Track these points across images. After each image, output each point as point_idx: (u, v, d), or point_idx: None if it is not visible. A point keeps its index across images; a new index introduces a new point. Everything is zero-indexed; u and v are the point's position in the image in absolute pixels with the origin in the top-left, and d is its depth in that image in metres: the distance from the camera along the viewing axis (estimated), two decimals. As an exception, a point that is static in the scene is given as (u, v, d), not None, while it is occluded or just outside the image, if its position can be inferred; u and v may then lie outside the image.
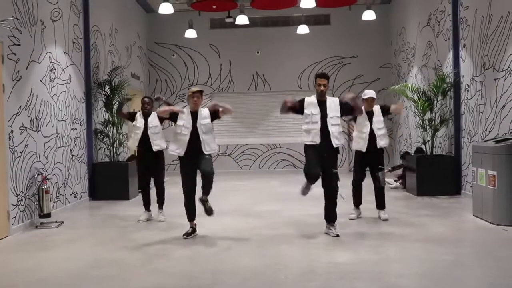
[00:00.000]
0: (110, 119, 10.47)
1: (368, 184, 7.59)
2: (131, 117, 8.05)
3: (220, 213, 7.81)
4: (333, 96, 7.19)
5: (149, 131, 7.69)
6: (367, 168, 7.54)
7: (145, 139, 7.68)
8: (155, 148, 7.66)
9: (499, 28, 8.04)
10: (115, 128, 10.47)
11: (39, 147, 7.97)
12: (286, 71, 15.56)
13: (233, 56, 15.78)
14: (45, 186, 7.63)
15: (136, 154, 8.06)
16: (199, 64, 15.82)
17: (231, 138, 15.88)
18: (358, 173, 7.59)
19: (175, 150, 6.48)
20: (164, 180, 7.89)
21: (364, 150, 7.42)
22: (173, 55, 15.83)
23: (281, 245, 6.05)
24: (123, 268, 5.21)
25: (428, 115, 10.19)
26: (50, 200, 7.80)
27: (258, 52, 15.75)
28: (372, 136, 7.39)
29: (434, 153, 10.22)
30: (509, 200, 6.72)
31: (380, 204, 7.51)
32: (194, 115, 6.53)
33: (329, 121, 6.36)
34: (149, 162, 7.73)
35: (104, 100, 10.55)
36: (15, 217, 7.09)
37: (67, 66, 9.25)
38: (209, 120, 6.55)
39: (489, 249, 5.72)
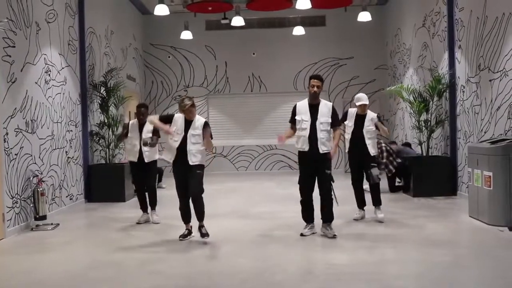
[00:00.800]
0: (106, 121, 10.44)
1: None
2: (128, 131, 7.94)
3: (216, 215, 7.81)
4: (329, 98, 7.16)
5: (142, 142, 7.51)
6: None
7: (140, 149, 7.67)
8: (146, 159, 7.66)
9: (494, 29, 8.06)
10: (110, 129, 10.45)
11: (35, 149, 7.94)
12: (282, 72, 15.57)
13: (229, 57, 15.78)
14: (41, 188, 7.60)
15: (129, 162, 8.10)
16: (195, 65, 15.81)
17: (227, 140, 15.86)
18: (353, 173, 7.64)
19: (166, 156, 6.55)
20: (162, 184, 7.96)
21: (350, 152, 7.57)
22: (169, 57, 15.82)
23: (278, 246, 6.04)
24: (120, 270, 5.19)
25: (424, 116, 10.21)
26: (46, 202, 7.76)
27: (254, 54, 15.75)
28: (361, 141, 7.40)
29: (430, 154, 10.23)
30: (504, 201, 6.73)
31: (375, 200, 7.47)
32: (188, 123, 6.36)
33: (318, 127, 6.28)
34: (141, 171, 7.76)
35: (99, 102, 10.53)
36: (10, 219, 7.06)
37: (62, 68, 9.22)
38: (200, 131, 6.30)
39: (485, 250, 5.73)
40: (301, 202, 6.56)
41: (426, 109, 10.10)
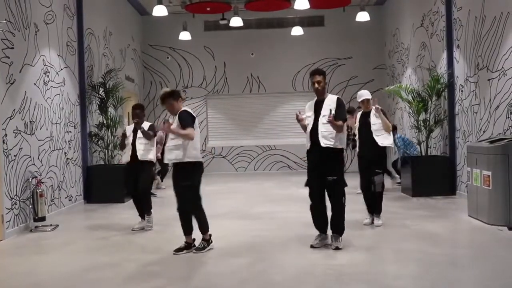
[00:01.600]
0: (105, 122, 10.44)
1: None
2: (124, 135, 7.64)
3: (215, 215, 7.79)
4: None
5: (137, 141, 7.34)
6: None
7: (133, 149, 7.36)
8: (140, 157, 7.25)
9: (492, 29, 8.07)
10: (109, 130, 10.45)
11: (34, 151, 7.93)
12: (281, 72, 15.57)
13: (227, 58, 15.78)
14: (40, 190, 7.60)
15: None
16: (194, 66, 15.81)
17: (226, 140, 15.87)
18: (361, 177, 7.34)
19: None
20: (161, 185, 7.79)
21: (360, 153, 7.30)
22: (168, 58, 15.82)
23: (277, 247, 6.04)
24: (119, 271, 5.18)
25: (422, 116, 10.22)
26: (45, 204, 7.76)
27: (252, 54, 15.75)
28: (368, 139, 7.06)
29: (429, 153, 10.24)
30: (503, 200, 6.73)
31: (376, 208, 7.15)
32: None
33: (320, 120, 5.76)
34: (136, 171, 7.33)
35: (98, 103, 10.52)
36: (9, 221, 7.05)
37: (61, 69, 9.21)
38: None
39: (484, 250, 5.73)
40: (310, 207, 5.96)
41: (425, 108, 10.10)
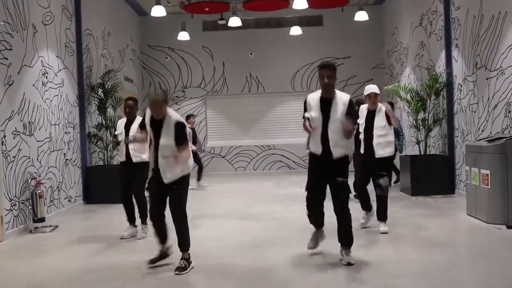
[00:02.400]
0: (104, 123, 10.44)
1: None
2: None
3: (215, 215, 7.81)
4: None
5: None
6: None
7: (126, 147, 6.70)
8: (134, 159, 6.64)
9: (490, 28, 8.08)
10: (108, 131, 10.45)
11: (33, 152, 7.94)
12: (280, 72, 15.59)
13: (226, 58, 15.79)
14: (39, 191, 7.60)
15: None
16: (193, 66, 15.82)
17: (225, 140, 15.88)
18: (359, 176, 7.01)
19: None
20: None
21: (362, 152, 6.67)
22: (166, 58, 15.83)
23: (276, 246, 6.04)
24: (119, 272, 5.18)
25: (421, 115, 10.23)
26: (44, 205, 7.76)
27: (251, 54, 15.76)
28: (371, 140, 6.53)
29: (428, 152, 10.25)
30: (502, 199, 6.74)
31: (381, 214, 6.58)
32: (158, 123, 5.17)
33: (331, 125, 5.06)
34: (129, 173, 6.73)
35: (97, 103, 10.53)
36: (9, 222, 7.05)
37: (60, 70, 9.22)
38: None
39: (483, 249, 5.74)
40: (308, 216, 5.49)
41: (423, 108, 10.12)
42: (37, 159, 8.09)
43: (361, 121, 6.60)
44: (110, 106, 10.65)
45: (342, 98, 5.13)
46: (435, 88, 9.98)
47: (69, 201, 9.37)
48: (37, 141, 8.14)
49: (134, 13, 14.97)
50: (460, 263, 5.27)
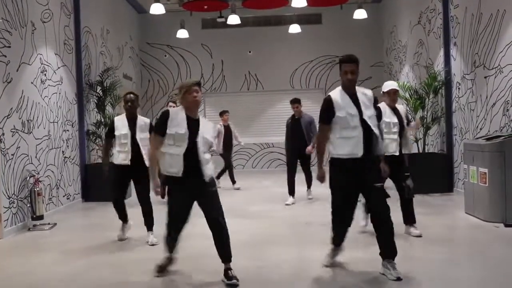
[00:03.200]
0: (102, 120, 10.44)
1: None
2: (111, 132, 6.37)
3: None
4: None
5: (139, 138, 6.16)
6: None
7: (134, 148, 6.13)
8: (146, 163, 5.96)
9: (489, 26, 8.09)
10: (107, 129, 10.43)
11: (31, 149, 7.94)
12: (279, 70, 15.59)
13: (225, 56, 15.78)
14: (38, 188, 7.61)
15: (115, 164, 6.34)
16: (191, 64, 15.81)
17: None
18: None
19: (169, 168, 4.63)
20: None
21: (397, 153, 6.14)
22: (165, 56, 15.82)
23: (275, 245, 6.05)
24: (117, 270, 5.20)
25: (420, 113, 10.24)
26: (43, 202, 7.77)
27: (250, 52, 15.76)
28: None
29: (426, 151, 10.26)
30: (500, 197, 6.76)
31: (410, 218, 6.24)
32: (193, 123, 4.68)
33: (369, 121, 4.66)
34: (134, 174, 6.21)
35: (96, 101, 10.52)
36: (7, 219, 7.06)
37: (58, 68, 9.21)
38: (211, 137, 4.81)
39: (481, 247, 5.76)
40: (336, 233, 4.99)
41: (422, 106, 10.12)
42: (36, 157, 8.09)
43: (395, 119, 6.13)
44: (109, 104, 10.65)
45: (364, 92, 4.82)
46: (434, 87, 9.99)
47: (67, 198, 9.38)
48: (36, 138, 8.14)
49: (133, 11, 14.96)
50: (457, 261, 5.28)
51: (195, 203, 4.74)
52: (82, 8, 10.29)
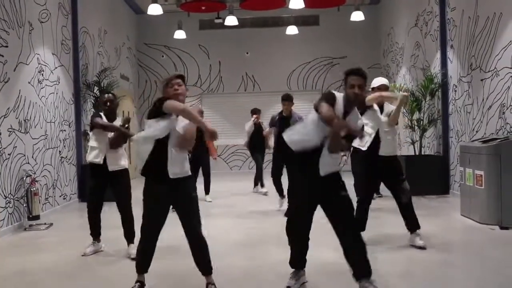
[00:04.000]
0: (99, 121, 10.42)
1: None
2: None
3: (210, 214, 7.82)
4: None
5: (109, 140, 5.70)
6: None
7: (108, 149, 5.72)
8: (111, 167, 5.67)
9: (485, 29, 8.12)
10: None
11: (28, 149, 7.93)
12: (276, 71, 15.61)
13: (222, 57, 15.80)
14: (34, 188, 7.60)
15: (90, 168, 5.88)
16: (189, 65, 15.81)
17: (220, 139, 15.77)
18: (366, 185, 5.95)
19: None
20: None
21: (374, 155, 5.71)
22: (163, 56, 15.82)
23: (272, 245, 6.06)
24: (113, 270, 5.20)
25: (416, 115, 10.27)
26: (39, 202, 7.76)
27: (247, 53, 15.78)
28: (387, 138, 5.79)
29: (422, 153, 10.30)
30: (496, 200, 6.78)
31: (414, 223, 5.79)
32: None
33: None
34: (107, 180, 5.74)
35: (93, 101, 10.52)
36: (3, 219, 7.05)
37: (56, 68, 9.21)
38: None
39: (476, 249, 5.78)
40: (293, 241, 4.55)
41: (418, 108, 10.16)
42: (33, 157, 8.09)
43: (371, 122, 5.67)
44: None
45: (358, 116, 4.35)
46: (430, 89, 10.03)
47: (64, 199, 9.37)
48: (33, 138, 8.13)
49: (131, 11, 14.95)
50: (453, 263, 5.30)
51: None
52: (80, 9, 10.30)
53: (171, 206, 4.34)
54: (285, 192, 7.63)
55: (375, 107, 5.75)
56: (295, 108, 8.94)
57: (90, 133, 5.85)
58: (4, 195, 7.13)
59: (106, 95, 5.94)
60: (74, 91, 10.05)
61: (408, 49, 12.27)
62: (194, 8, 12.55)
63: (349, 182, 4.75)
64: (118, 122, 5.79)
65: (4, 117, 7.21)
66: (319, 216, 4.31)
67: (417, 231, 5.81)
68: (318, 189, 4.16)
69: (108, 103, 5.82)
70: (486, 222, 6.83)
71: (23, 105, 7.82)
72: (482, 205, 6.95)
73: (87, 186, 6.11)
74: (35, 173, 8.06)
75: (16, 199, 7.45)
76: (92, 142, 5.75)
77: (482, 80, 8.28)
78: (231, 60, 15.76)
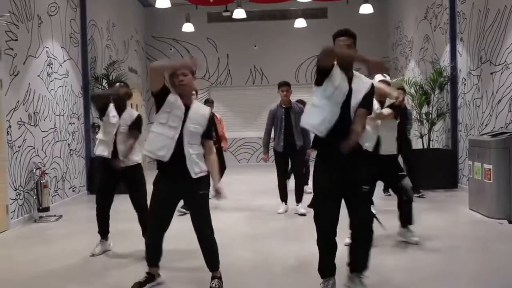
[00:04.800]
0: (108, 114, 10.47)
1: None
2: (103, 111, 5.47)
3: (217, 207, 7.83)
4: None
5: (118, 135, 5.36)
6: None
7: (115, 141, 5.36)
8: (122, 164, 5.30)
9: (495, 22, 8.05)
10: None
11: (37, 142, 7.99)
12: (284, 64, 15.57)
13: (230, 50, 15.78)
14: (44, 180, 7.66)
15: (99, 162, 5.75)
16: (197, 58, 15.79)
17: (228, 132, 15.76)
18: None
19: (151, 152, 4.06)
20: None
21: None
22: (171, 49, 15.83)
23: (278, 239, 6.09)
24: (122, 262, 5.24)
25: (425, 109, 10.22)
26: (49, 194, 7.84)
27: (255, 46, 15.75)
28: (389, 134, 5.49)
29: (431, 146, 10.26)
30: (504, 194, 6.76)
31: (408, 219, 5.70)
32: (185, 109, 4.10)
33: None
34: (118, 175, 5.32)
35: (101, 94, 10.55)
36: (14, 211, 7.12)
37: (65, 61, 9.25)
38: (201, 127, 4.13)
39: (484, 243, 5.77)
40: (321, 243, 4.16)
41: (427, 101, 10.11)
42: (42, 149, 8.15)
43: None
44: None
45: (362, 80, 4.18)
46: (439, 82, 9.97)
47: (73, 191, 9.44)
48: (42, 131, 8.19)
49: (139, 4, 14.96)
50: (460, 257, 5.29)
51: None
52: (88, 2, 10.32)
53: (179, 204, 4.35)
54: (291, 198, 7.61)
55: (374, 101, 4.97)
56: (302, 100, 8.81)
57: (101, 125, 5.54)
58: (15, 187, 7.19)
59: (117, 84, 5.61)
60: (83, 84, 10.09)
61: (417, 42, 12.20)
62: (202, 1, 12.54)
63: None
64: (125, 115, 5.42)
65: (14, 110, 7.26)
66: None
67: (409, 226, 5.71)
68: (341, 179, 3.93)
69: (119, 93, 5.38)
70: (494, 216, 6.81)
71: (32, 98, 7.87)
72: (490, 199, 6.92)
73: (95, 180, 5.80)
74: (44, 166, 8.12)
75: (26, 191, 7.52)
76: (100, 135, 5.50)
77: (491, 73, 8.23)
78: (239, 53, 15.75)
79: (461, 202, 8.07)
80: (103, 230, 5.68)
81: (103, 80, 10.54)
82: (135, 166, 5.42)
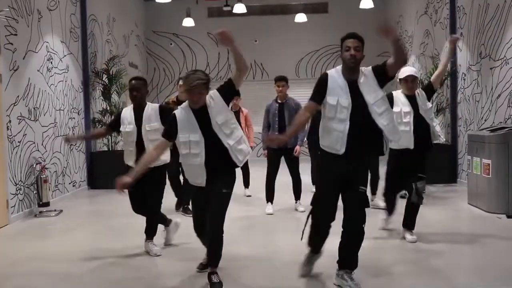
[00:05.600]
0: (108, 108, 10.49)
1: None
2: (116, 124, 5.28)
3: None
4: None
5: (144, 136, 5.04)
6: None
7: (140, 149, 4.99)
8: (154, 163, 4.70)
9: (495, 17, 8.05)
10: (113, 117, 10.49)
11: (37, 137, 8.01)
12: (284, 59, 15.56)
13: (231, 44, 15.75)
14: (44, 175, 7.69)
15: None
16: (197, 52, 15.81)
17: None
18: (392, 181, 5.75)
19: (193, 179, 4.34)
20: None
21: (411, 147, 5.44)
22: (171, 44, 15.82)
23: (278, 233, 6.11)
24: (122, 257, 5.27)
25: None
26: (49, 189, 7.86)
27: (256, 41, 15.73)
28: (416, 131, 5.45)
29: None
30: (503, 189, 6.78)
31: (411, 223, 5.65)
32: (201, 112, 4.18)
33: (372, 110, 3.92)
34: (142, 181, 4.84)
35: (101, 89, 10.56)
36: (14, 206, 7.15)
37: (65, 56, 9.25)
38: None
39: (483, 238, 5.78)
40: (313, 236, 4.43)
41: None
42: (42, 144, 8.17)
43: (407, 108, 5.49)
44: (115, 92, 10.69)
45: (366, 72, 4.16)
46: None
47: (73, 186, 9.47)
48: (42, 126, 8.21)
49: (139, -1, 14.95)
50: (459, 251, 5.30)
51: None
52: (88, -4, 10.31)
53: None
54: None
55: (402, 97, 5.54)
56: (304, 95, 8.59)
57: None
58: (15, 182, 7.22)
59: (133, 82, 5.11)
60: (83, 79, 10.10)
61: (418, 37, 12.18)
62: (202, -5, 12.54)
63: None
64: (147, 111, 5.08)
65: (14, 105, 7.28)
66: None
67: (413, 229, 5.66)
68: (343, 175, 4.04)
69: (135, 92, 5.04)
70: (493, 211, 6.83)
71: (32, 93, 7.88)
72: (489, 194, 6.94)
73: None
74: (44, 161, 8.14)
75: (26, 186, 7.54)
76: (123, 144, 5.37)
77: (491, 68, 8.22)
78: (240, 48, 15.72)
79: (460, 197, 8.10)
80: (150, 232, 5.44)
81: (103, 75, 10.54)
82: (162, 167, 5.13)
